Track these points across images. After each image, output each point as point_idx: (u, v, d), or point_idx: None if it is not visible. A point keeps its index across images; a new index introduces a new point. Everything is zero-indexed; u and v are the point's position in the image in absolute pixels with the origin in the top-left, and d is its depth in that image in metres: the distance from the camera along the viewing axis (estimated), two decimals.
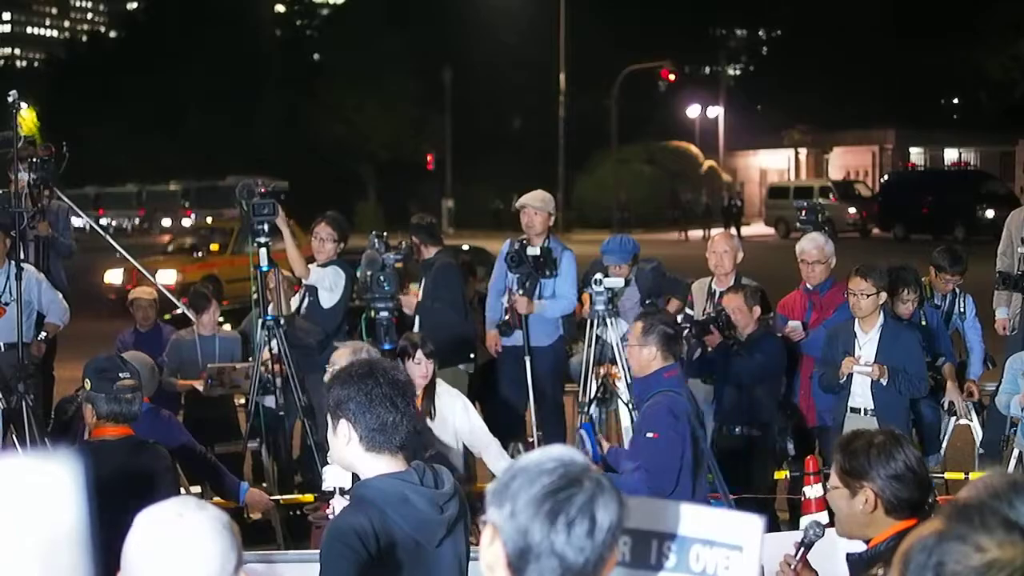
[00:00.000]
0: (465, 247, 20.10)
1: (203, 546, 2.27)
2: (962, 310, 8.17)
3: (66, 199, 9.38)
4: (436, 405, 6.34)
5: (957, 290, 8.19)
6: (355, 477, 3.32)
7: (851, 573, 3.40)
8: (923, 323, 7.52)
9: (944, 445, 7.71)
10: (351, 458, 3.19)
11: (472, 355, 8.41)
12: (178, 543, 2.26)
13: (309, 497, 7.25)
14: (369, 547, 3.05)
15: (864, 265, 6.79)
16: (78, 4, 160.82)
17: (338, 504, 3.84)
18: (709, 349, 7.02)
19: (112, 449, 4.74)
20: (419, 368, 6.24)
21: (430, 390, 6.33)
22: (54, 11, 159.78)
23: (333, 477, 4.05)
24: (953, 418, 7.71)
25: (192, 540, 2.26)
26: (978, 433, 7.84)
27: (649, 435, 5.44)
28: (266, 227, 7.57)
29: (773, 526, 6.42)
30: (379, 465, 3.16)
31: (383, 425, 3.13)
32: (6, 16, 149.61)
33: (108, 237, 10.90)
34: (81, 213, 9.99)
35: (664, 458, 5.36)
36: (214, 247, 23.96)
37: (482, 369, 8.62)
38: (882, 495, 3.28)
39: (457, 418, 6.42)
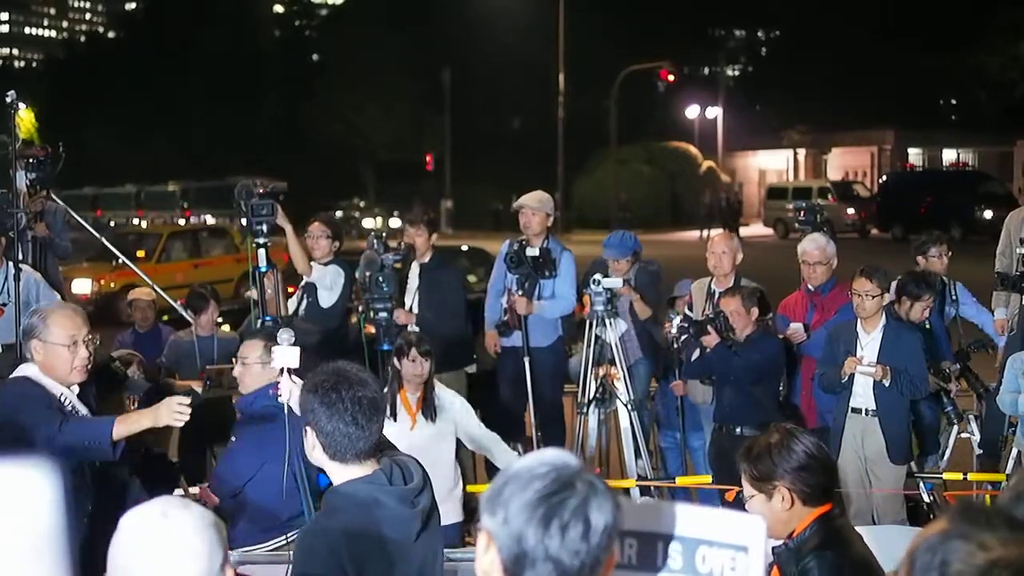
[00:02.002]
0: (464, 247, 20.06)
1: (189, 544, 2.27)
2: (954, 297, 8.26)
3: (61, 202, 9.34)
4: (435, 406, 6.34)
5: (945, 279, 8.26)
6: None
7: (780, 566, 3.49)
8: (928, 326, 7.52)
9: (947, 455, 7.71)
10: (319, 461, 3.27)
11: (475, 356, 8.42)
12: (164, 542, 2.26)
13: None
14: (341, 557, 3.09)
15: (868, 266, 6.80)
16: (76, 4, 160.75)
17: (285, 385, 3.96)
18: (707, 350, 7.02)
19: None
20: (414, 366, 6.26)
21: (428, 390, 6.33)
22: (52, 11, 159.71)
23: (281, 356, 4.03)
24: (955, 428, 7.72)
25: (178, 539, 2.27)
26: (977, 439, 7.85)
27: (233, 439, 5.56)
28: (265, 228, 7.57)
29: None
30: (346, 472, 3.22)
31: (343, 437, 3.18)
32: (4, 16, 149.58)
33: (104, 240, 10.87)
34: (78, 217, 9.89)
35: (232, 462, 5.46)
36: (140, 254, 21.70)
37: (481, 374, 8.62)
38: (794, 488, 3.43)
39: (458, 418, 6.43)
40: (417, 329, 8.01)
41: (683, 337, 7.26)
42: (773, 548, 3.48)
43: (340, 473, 3.22)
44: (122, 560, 2.27)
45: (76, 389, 4.80)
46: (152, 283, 9.58)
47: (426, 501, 3.26)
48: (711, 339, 6.95)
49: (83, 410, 4.76)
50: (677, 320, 7.46)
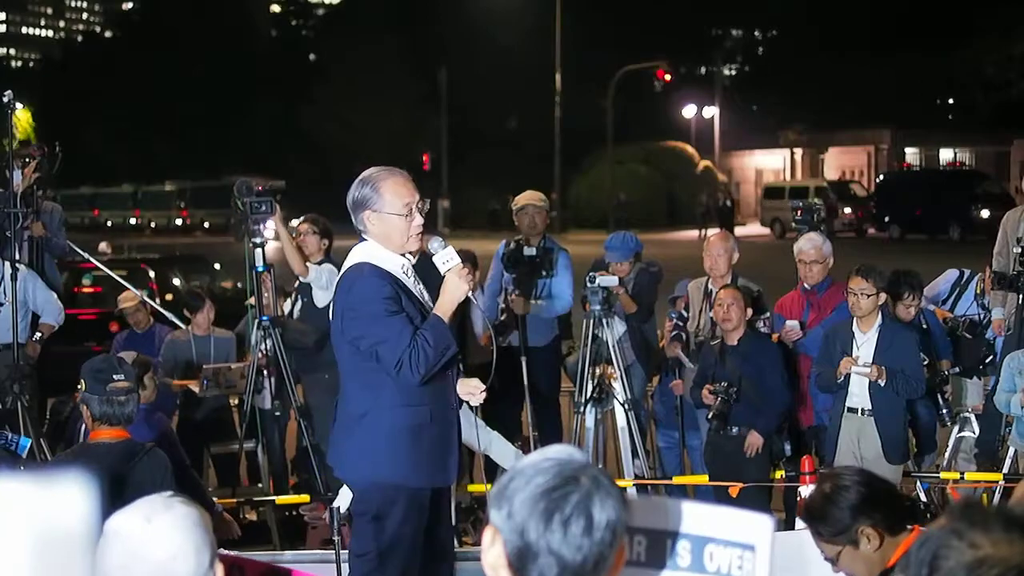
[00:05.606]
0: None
1: (175, 548, 2.27)
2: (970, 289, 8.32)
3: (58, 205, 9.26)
4: None
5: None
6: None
7: None
8: (924, 327, 7.52)
9: (946, 456, 7.70)
10: None
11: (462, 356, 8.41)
12: (149, 548, 2.26)
13: (304, 498, 7.25)
14: None
15: (864, 265, 6.79)
16: (73, 4, 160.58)
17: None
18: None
19: (107, 452, 4.69)
20: None
21: None
22: (49, 11, 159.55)
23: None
24: (954, 429, 7.71)
25: (163, 543, 2.27)
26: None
27: None
28: (262, 227, 7.56)
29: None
30: None
31: None
32: (1, 16, 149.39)
33: (86, 254, 10.66)
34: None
35: None
36: None
37: (476, 371, 8.60)
38: (876, 523, 3.31)
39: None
40: None
41: (676, 333, 7.23)
42: None
43: None
44: (107, 566, 2.26)
45: (412, 258, 4.76)
46: (139, 294, 9.48)
47: None
48: (755, 440, 6.85)
49: (417, 286, 4.75)
50: (675, 319, 7.42)
